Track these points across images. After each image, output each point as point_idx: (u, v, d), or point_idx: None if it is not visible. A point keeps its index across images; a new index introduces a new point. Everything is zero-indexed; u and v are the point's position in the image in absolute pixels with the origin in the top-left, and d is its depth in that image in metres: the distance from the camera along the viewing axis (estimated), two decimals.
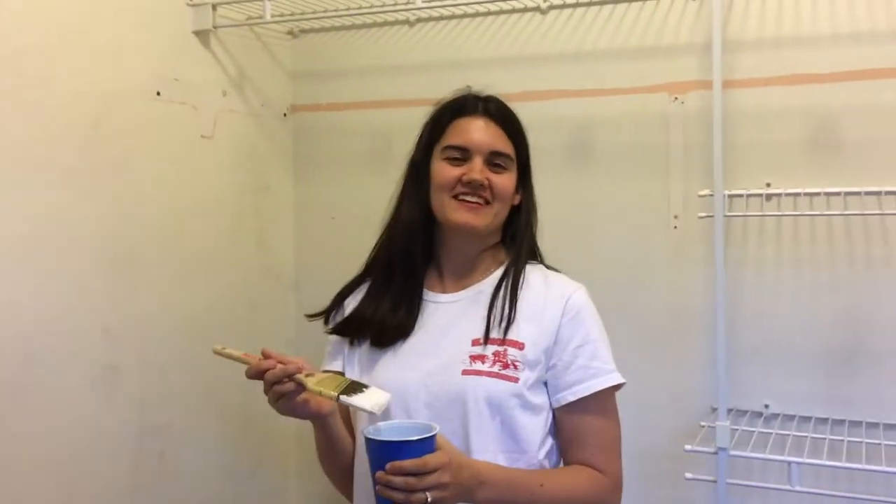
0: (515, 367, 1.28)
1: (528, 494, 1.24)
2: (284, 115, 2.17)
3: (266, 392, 1.25)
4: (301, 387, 1.21)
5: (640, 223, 1.85)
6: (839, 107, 1.69)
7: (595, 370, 1.30)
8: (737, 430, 1.66)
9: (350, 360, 1.39)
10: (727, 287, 1.70)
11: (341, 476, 1.40)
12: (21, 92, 1.47)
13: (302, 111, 2.19)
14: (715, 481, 1.60)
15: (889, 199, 1.58)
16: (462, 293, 1.37)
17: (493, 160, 1.34)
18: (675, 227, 1.82)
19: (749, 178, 1.73)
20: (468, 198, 1.31)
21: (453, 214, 1.32)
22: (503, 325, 1.31)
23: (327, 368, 1.41)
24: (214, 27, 1.87)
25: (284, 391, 1.22)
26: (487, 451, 1.26)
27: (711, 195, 1.62)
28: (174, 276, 1.80)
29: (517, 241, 1.40)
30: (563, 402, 1.30)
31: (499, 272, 1.37)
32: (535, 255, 1.44)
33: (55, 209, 1.54)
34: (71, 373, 1.57)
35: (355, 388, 1.20)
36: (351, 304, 1.42)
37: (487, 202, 1.32)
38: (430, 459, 1.10)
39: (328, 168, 2.17)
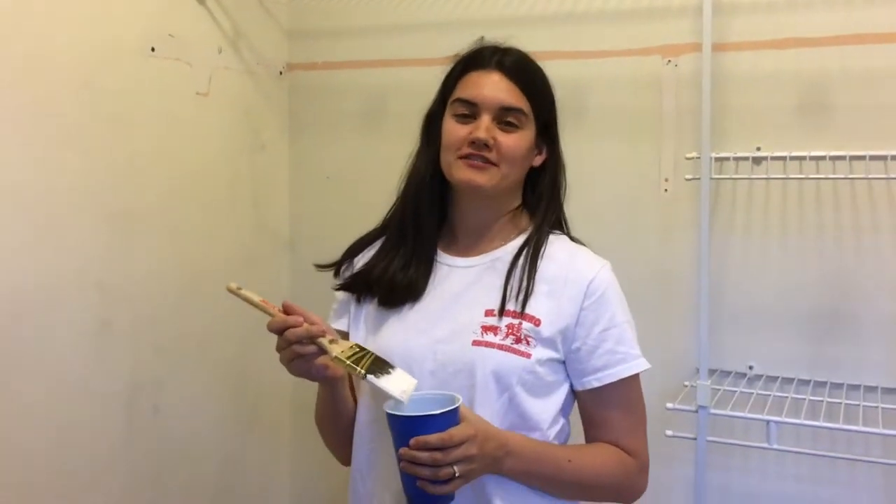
0: (528, 342, 1.22)
1: (554, 468, 1.21)
2: (280, 73, 2.17)
3: (281, 348, 1.19)
4: (321, 349, 1.17)
5: (631, 185, 1.86)
6: (831, 71, 1.69)
7: (622, 355, 1.25)
8: (719, 389, 1.69)
9: (356, 319, 1.34)
10: (715, 250, 1.72)
11: (340, 439, 1.35)
12: (16, 48, 1.48)
13: (298, 70, 2.19)
14: (695, 438, 1.64)
15: (876, 163, 1.58)
16: (478, 259, 1.30)
17: (504, 117, 1.25)
18: (666, 189, 1.83)
19: (740, 142, 1.74)
20: (473, 159, 1.25)
21: (458, 172, 1.25)
22: (521, 297, 1.24)
23: (332, 326, 1.35)
24: None
25: (305, 353, 1.17)
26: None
27: (698, 158, 1.63)
28: (170, 232, 1.83)
29: (541, 207, 1.32)
30: (588, 387, 1.26)
31: (519, 240, 1.30)
32: (560, 224, 1.36)
33: (50, 165, 1.55)
34: (64, 327, 1.60)
35: (381, 366, 1.15)
36: (362, 260, 1.37)
37: (494, 163, 1.25)
38: (455, 433, 1.07)
39: (324, 127, 2.18)
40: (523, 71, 1.29)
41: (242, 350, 2.06)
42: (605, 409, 1.27)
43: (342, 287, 1.36)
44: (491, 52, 1.30)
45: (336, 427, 1.35)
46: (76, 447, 1.63)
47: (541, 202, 1.33)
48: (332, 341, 1.17)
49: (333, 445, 1.39)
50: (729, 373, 1.78)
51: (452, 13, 2.00)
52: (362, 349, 1.18)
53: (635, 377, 1.28)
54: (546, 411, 1.25)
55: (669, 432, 1.64)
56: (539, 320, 1.23)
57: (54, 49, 1.55)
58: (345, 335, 1.35)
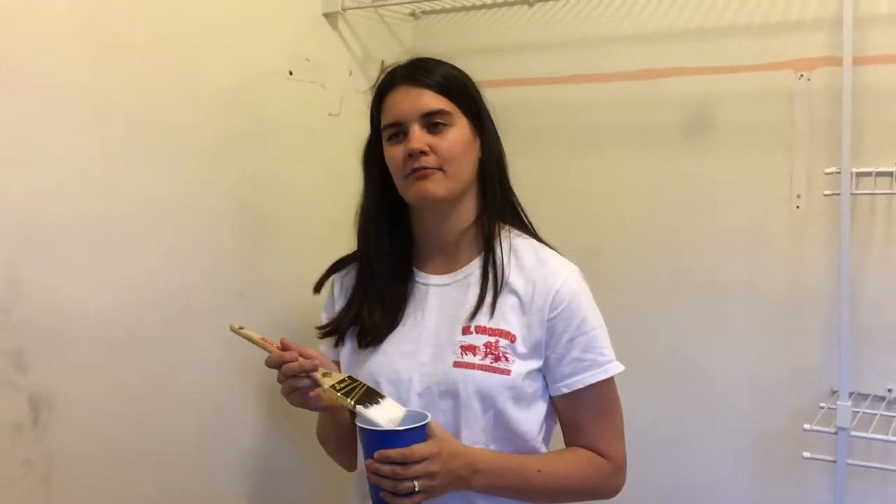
0: (507, 358, 1.26)
1: (524, 481, 1.25)
2: None
3: (280, 382, 1.27)
4: (315, 382, 1.24)
5: (761, 201, 1.83)
6: None
7: (589, 363, 1.28)
8: (858, 412, 1.63)
9: (341, 356, 1.41)
10: (852, 267, 1.67)
11: (344, 451, 1.45)
12: (172, 71, 1.58)
13: None
14: (834, 461, 1.58)
15: None
16: (451, 276, 1.34)
17: (431, 122, 1.29)
18: (798, 206, 1.79)
19: (878, 157, 1.68)
20: (418, 172, 1.28)
21: (410, 191, 1.29)
22: (489, 312, 1.28)
23: (328, 356, 1.42)
24: (343, 9, 1.95)
25: (299, 386, 1.25)
26: (478, 442, 1.26)
27: (838, 173, 1.59)
28: (302, 244, 1.89)
29: (488, 202, 1.34)
30: (558, 393, 1.30)
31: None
32: (518, 219, 1.38)
33: (196, 176, 1.63)
34: (207, 332, 1.66)
35: (371, 397, 1.20)
36: (346, 281, 1.44)
37: (437, 168, 1.28)
38: (416, 449, 1.12)
39: None
40: (429, 72, 1.32)
41: None
42: (578, 413, 1.31)
43: (325, 335, 1.42)
44: (392, 70, 1.36)
45: (339, 444, 1.44)
46: (220, 439, 1.69)
47: (487, 194, 1.34)
48: (325, 374, 1.24)
49: (337, 458, 1.49)
50: (866, 395, 1.72)
51: (576, 32, 2.01)
52: (353, 380, 1.24)
53: (608, 381, 1.30)
54: (531, 422, 1.29)
55: (807, 454, 1.60)
56: (514, 336, 1.27)
57: (206, 71, 1.64)
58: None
